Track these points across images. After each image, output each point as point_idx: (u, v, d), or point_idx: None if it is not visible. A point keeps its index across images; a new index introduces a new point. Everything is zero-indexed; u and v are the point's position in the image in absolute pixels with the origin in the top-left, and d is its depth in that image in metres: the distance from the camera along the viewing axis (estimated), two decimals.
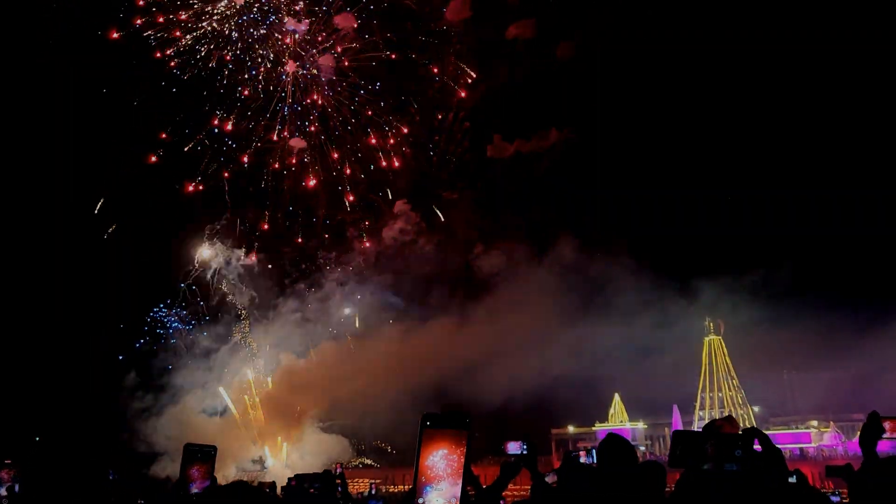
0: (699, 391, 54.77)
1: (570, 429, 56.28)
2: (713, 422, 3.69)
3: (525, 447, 4.77)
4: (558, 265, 46.12)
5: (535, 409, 41.26)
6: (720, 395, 54.11)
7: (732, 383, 54.21)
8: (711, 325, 54.18)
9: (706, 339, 54.82)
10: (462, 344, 44.04)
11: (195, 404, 47.33)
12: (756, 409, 53.59)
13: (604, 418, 55.85)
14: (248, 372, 50.36)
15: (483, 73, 50.50)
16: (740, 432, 3.42)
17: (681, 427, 52.11)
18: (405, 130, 52.08)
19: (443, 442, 2.69)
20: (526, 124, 49.89)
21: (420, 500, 2.64)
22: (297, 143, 51.50)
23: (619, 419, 55.47)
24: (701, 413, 53.89)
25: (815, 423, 52.52)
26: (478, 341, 44.11)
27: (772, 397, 51.67)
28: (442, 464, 2.69)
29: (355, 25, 49.70)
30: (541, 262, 47.21)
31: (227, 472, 41.98)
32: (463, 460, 2.67)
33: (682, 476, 3.38)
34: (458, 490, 2.65)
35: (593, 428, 55.88)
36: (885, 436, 4.50)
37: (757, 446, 3.63)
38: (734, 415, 53.28)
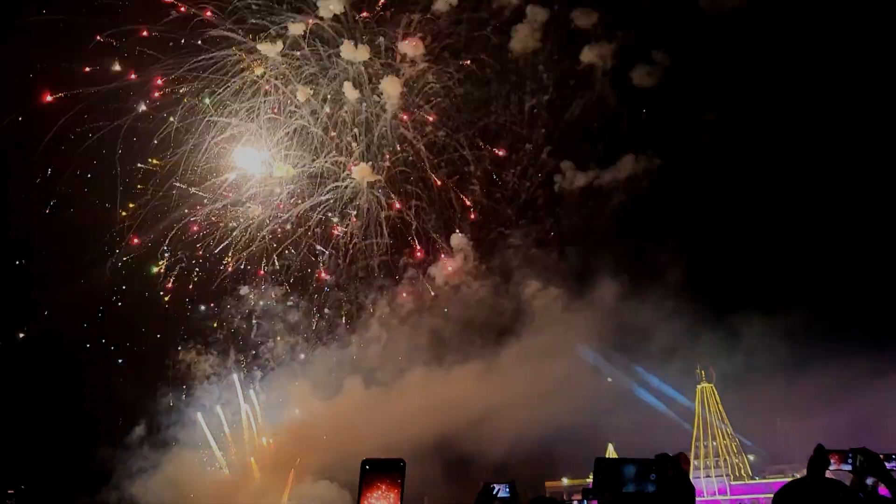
0: (693, 440, 53.66)
1: (565, 481, 55.13)
2: (665, 454, 3.86)
3: (507, 489, 5.03)
4: (588, 310, 45.76)
5: (536, 461, 40.38)
6: (714, 443, 53.04)
7: (726, 431, 53.17)
8: (703, 372, 53.40)
9: (698, 386, 53.97)
10: (476, 394, 43.50)
11: (194, 460, 46.01)
12: (751, 457, 52.56)
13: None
14: (252, 423, 49.04)
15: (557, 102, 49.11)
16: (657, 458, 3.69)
17: None
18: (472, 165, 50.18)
19: (381, 483, 3.06)
20: (600, 154, 48.80)
21: None
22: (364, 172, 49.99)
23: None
24: (695, 462, 52.69)
25: (844, 470, 51.03)
26: (489, 392, 43.62)
27: (767, 445, 50.82)
28: (378, 499, 3.04)
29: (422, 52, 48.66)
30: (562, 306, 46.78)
31: None
32: (399, 500, 3.07)
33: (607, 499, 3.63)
34: None
35: (587, 480, 53.86)
36: (831, 468, 5.17)
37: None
38: (730, 464, 52.54)
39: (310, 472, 46.29)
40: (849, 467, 5.14)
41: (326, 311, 50.95)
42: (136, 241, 46.86)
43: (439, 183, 50.26)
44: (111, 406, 45.01)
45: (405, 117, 49.77)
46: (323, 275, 50.47)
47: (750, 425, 51.71)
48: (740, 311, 44.46)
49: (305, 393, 47.39)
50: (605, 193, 48.26)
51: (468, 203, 50.61)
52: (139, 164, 46.44)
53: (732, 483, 51.38)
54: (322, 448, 45.44)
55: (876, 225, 42.37)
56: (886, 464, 5.21)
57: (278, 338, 49.68)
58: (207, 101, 46.74)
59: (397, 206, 50.21)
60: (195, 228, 48.25)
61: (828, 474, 4.89)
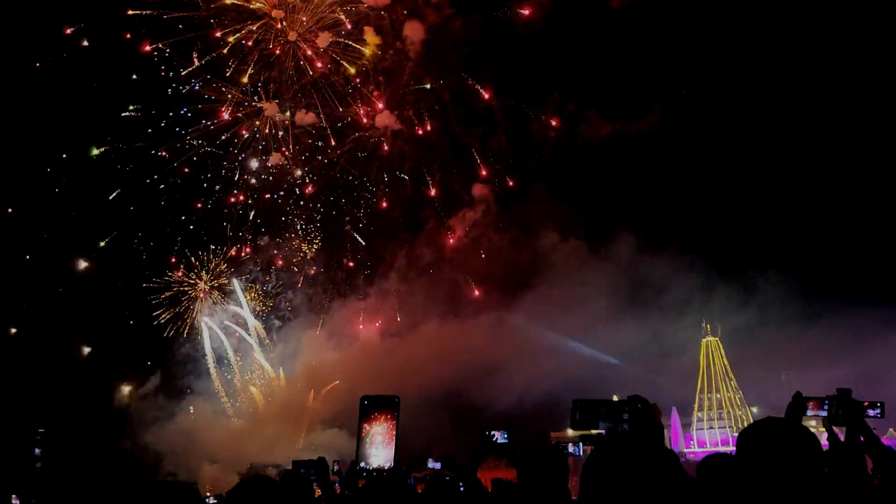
0: (697, 393, 54.18)
1: (570, 432, 55.69)
2: (637, 395, 3.96)
3: (506, 436, 5.28)
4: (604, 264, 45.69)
5: (542, 413, 40.82)
6: (718, 396, 53.53)
7: (731, 385, 53.56)
8: (708, 326, 53.67)
9: (703, 340, 54.27)
10: (487, 346, 43.74)
11: (208, 409, 46.74)
12: (755, 409, 52.99)
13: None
14: (268, 366, 49.54)
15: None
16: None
17: (680, 430, 51.94)
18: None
19: (379, 416, 3.34)
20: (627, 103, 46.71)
21: (362, 464, 3.27)
22: (385, 120, 49.22)
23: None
24: (699, 415, 53.30)
25: (812, 423, 51.76)
26: (500, 344, 43.87)
27: (770, 398, 51.19)
28: (378, 434, 3.34)
29: None
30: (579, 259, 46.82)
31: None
32: (394, 432, 3.38)
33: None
34: (391, 453, 3.32)
35: (592, 431, 54.35)
36: (808, 413, 5.38)
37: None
38: (733, 416, 53.10)
39: (322, 420, 47.07)
40: (825, 413, 5.47)
41: (347, 262, 51.31)
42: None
43: (461, 133, 49.73)
44: (126, 350, 45.60)
45: (427, 65, 49.14)
46: (347, 226, 50.67)
47: (755, 378, 52.07)
48: (748, 265, 44.72)
49: (321, 343, 47.92)
50: (627, 144, 47.17)
51: (487, 157, 50.10)
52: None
53: (735, 434, 51.98)
54: (334, 398, 46.16)
55: (885, 178, 42.07)
56: (870, 411, 5.41)
57: (297, 287, 50.15)
58: None
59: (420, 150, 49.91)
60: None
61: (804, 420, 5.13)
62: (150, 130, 46.56)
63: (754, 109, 44.60)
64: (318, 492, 5.80)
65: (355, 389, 44.09)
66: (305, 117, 48.43)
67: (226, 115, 47.83)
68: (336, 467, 8.96)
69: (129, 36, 44.56)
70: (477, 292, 48.62)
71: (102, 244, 46.17)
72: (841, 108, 42.65)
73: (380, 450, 3.12)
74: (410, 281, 48.75)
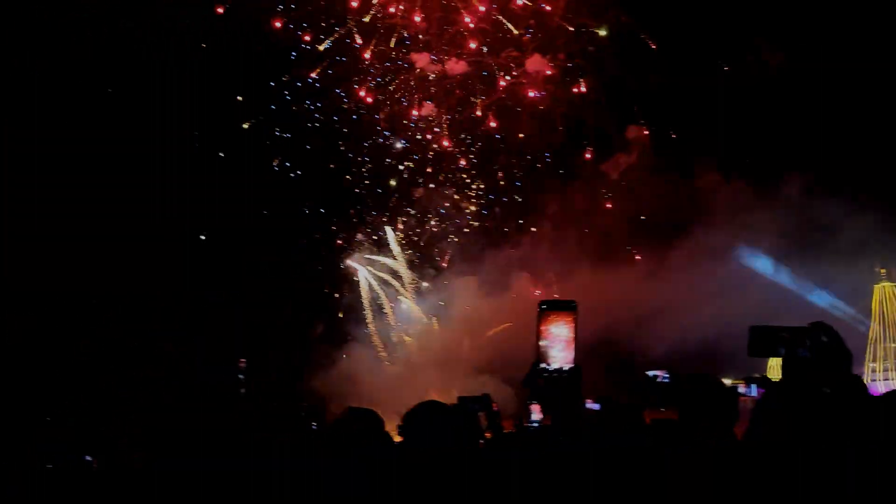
0: (869, 342, 50.66)
1: (727, 382, 53.87)
2: (820, 321, 3.74)
3: (668, 376, 4.86)
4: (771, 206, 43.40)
5: (698, 361, 39.63)
6: (893, 345, 49.85)
7: None
8: (884, 270, 49.77)
9: (877, 286, 50.44)
10: (641, 294, 42.78)
11: (366, 355, 48.68)
12: None
13: (763, 370, 52.80)
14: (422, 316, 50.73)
15: None
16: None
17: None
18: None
19: (556, 320, 3.04)
20: None
21: (543, 365, 3.03)
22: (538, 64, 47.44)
23: (778, 371, 52.20)
24: (873, 364, 49.88)
25: None
26: (655, 292, 42.71)
27: None
28: (557, 336, 3.07)
29: None
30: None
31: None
32: (573, 334, 3.02)
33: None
34: (571, 354, 3.07)
35: (755, 375, 52.26)
36: None
37: None
38: None
39: (475, 368, 47.83)
40: None
41: (498, 210, 51.21)
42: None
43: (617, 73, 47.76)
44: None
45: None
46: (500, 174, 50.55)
47: None
48: None
49: (474, 292, 48.43)
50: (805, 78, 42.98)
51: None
52: None
53: None
54: (488, 345, 46.70)
55: None
56: None
57: (450, 237, 50.69)
58: None
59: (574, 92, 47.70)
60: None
61: None
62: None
63: None
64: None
65: (509, 338, 44.51)
66: (456, 67, 48.16)
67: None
68: (496, 408, 9.07)
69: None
70: (632, 239, 47.30)
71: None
72: None
73: (559, 351, 3.06)
74: (564, 228, 48.02)
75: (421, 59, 48.08)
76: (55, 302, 39.90)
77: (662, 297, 42.35)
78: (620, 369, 36.45)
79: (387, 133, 48.86)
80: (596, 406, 7.06)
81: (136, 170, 42.50)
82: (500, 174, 49.81)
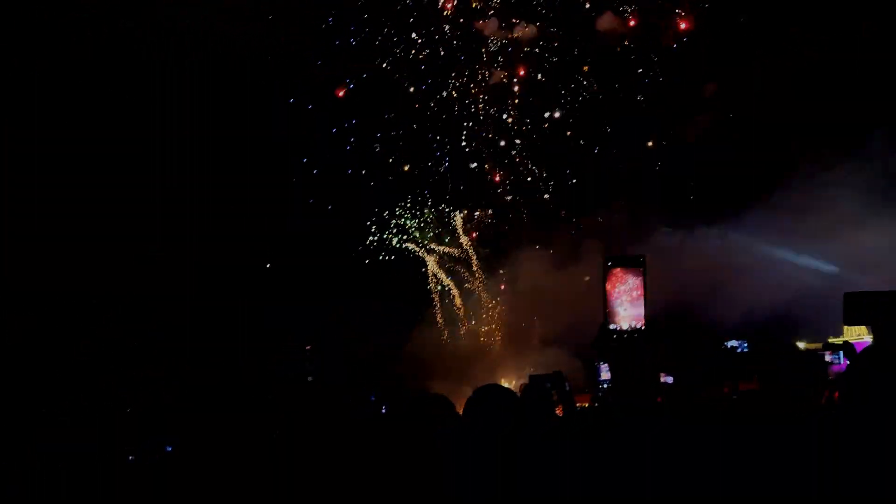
0: None
1: (801, 345, 52.29)
2: None
3: (745, 345, 4.64)
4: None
5: (773, 326, 38.62)
6: None
7: None
8: None
9: None
10: (715, 259, 41.81)
11: (432, 333, 49.00)
12: None
13: (838, 333, 50.74)
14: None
15: None
16: None
17: None
18: None
19: (624, 276, 2.86)
20: None
21: (612, 325, 2.84)
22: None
23: (855, 333, 49.96)
24: None
25: None
26: (732, 255, 41.67)
27: None
28: (625, 293, 2.88)
29: None
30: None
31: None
32: (642, 290, 2.86)
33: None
34: (641, 311, 2.86)
35: (827, 340, 50.42)
36: None
37: None
38: None
39: (543, 340, 47.41)
40: None
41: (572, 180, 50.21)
42: None
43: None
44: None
45: None
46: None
47: None
48: None
49: (541, 264, 47.97)
50: None
51: None
52: None
53: None
54: (553, 317, 46.21)
55: None
56: None
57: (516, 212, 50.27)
58: None
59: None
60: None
61: None
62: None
63: None
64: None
65: (577, 312, 43.82)
66: (526, 31, 47.06)
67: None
68: (567, 387, 8.98)
69: None
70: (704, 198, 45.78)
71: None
72: None
73: (628, 309, 2.90)
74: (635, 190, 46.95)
75: (489, 26, 46.86)
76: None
77: (734, 264, 41.27)
78: (694, 339, 35.75)
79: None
80: (669, 379, 6.83)
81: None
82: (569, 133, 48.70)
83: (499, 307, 50.77)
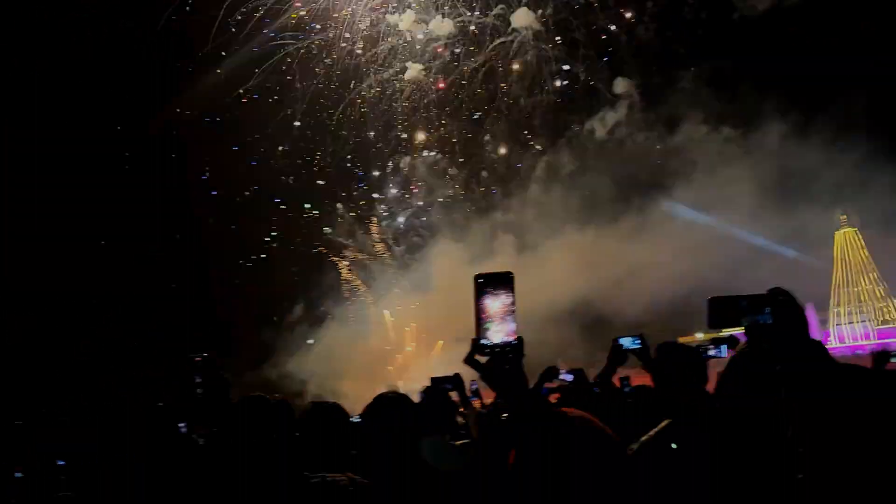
0: (832, 287, 51.31)
1: (699, 335, 54.31)
2: (778, 287, 3.69)
3: (638, 341, 5.11)
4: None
5: (672, 318, 39.88)
6: (857, 290, 50.64)
7: (871, 276, 50.50)
8: (845, 217, 50.33)
9: (838, 232, 51.09)
10: (618, 254, 42.61)
11: (346, 334, 48.25)
12: None
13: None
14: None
15: None
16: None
17: (818, 326, 49.54)
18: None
19: (493, 292, 3.29)
20: None
21: (483, 340, 3.24)
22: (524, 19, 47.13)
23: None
24: (837, 310, 50.67)
25: None
26: (632, 251, 42.64)
27: None
28: (496, 310, 3.28)
29: None
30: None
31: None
32: (511, 304, 3.26)
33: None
34: (513, 325, 3.25)
35: (721, 333, 52.46)
36: None
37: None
38: (874, 308, 50.19)
39: (457, 338, 47.71)
40: None
41: (484, 174, 50.86)
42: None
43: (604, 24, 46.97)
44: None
45: None
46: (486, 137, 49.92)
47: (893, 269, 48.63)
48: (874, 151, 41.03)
49: (458, 261, 47.95)
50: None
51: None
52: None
53: (878, 327, 49.24)
54: (467, 313, 46.20)
55: None
56: None
57: (434, 205, 50.08)
58: None
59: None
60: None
61: None
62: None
63: None
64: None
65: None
66: (442, 26, 46.94)
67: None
68: (474, 386, 8.93)
69: None
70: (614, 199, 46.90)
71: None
72: None
73: (499, 324, 3.07)
74: (549, 190, 47.64)
75: (405, 19, 46.89)
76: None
77: (639, 257, 42.52)
78: (595, 335, 36.70)
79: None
80: (569, 377, 7.03)
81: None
82: (486, 137, 49.23)
83: (412, 305, 50.71)
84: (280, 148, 47.50)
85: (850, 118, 40.77)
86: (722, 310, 3.51)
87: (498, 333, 3.26)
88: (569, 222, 45.42)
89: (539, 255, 45.40)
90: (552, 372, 6.03)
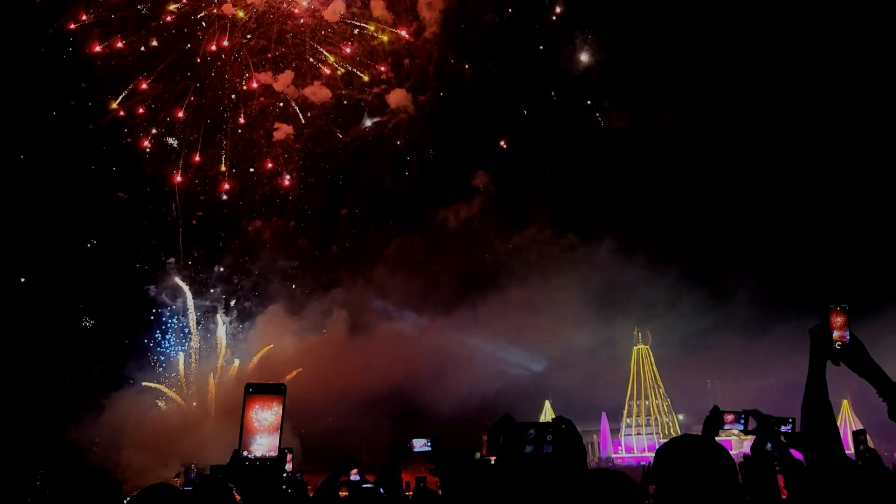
0: (627, 399, 54.82)
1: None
2: (561, 416, 3.88)
3: (429, 444, 5.04)
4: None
5: (482, 415, 40.50)
6: (647, 403, 54.26)
7: (659, 392, 54.45)
8: (640, 335, 54.39)
9: (634, 348, 54.99)
10: (440, 346, 42.61)
11: (146, 400, 44.59)
12: (681, 416, 53.93)
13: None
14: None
15: None
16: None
17: (609, 435, 52.40)
18: None
19: (263, 404, 3.19)
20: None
21: (244, 453, 3.12)
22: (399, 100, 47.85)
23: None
24: (628, 420, 53.95)
25: (735, 431, 52.28)
26: (452, 344, 42.83)
27: (696, 405, 51.95)
28: (263, 422, 3.18)
29: None
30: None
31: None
32: (280, 419, 3.18)
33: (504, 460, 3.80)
34: (276, 440, 3.17)
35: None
36: (724, 427, 5.47)
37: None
38: (660, 422, 53.82)
39: None
40: (741, 427, 5.61)
41: (334, 249, 49.90)
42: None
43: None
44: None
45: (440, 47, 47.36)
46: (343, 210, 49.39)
47: (682, 386, 52.68)
48: (681, 275, 45.24)
49: (284, 333, 46.00)
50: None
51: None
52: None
53: (661, 440, 52.58)
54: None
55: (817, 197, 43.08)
56: (783, 426, 5.50)
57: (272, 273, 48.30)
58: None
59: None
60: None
61: (723, 433, 5.42)
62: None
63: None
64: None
65: (311, 383, 42.30)
66: (319, 93, 46.32)
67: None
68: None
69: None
70: (439, 291, 47.34)
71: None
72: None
73: (264, 437, 3.06)
74: (394, 274, 47.47)
75: (281, 80, 46.29)
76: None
77: (454, 353, 43.06)
78: (405, 426, 36.44)
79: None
80: (356, 477, 6.91)
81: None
82: (342, 211, 48.52)
83: (227, 373, 47.77)
84: None
85: (668, 241, 44.77)
86: (511, 436, 3.62)
87: (261, 447, 3.13)
88: (406, 307, 45.57)
89: (368, 336, 45.02)
90: (352, 463, 5.85)
